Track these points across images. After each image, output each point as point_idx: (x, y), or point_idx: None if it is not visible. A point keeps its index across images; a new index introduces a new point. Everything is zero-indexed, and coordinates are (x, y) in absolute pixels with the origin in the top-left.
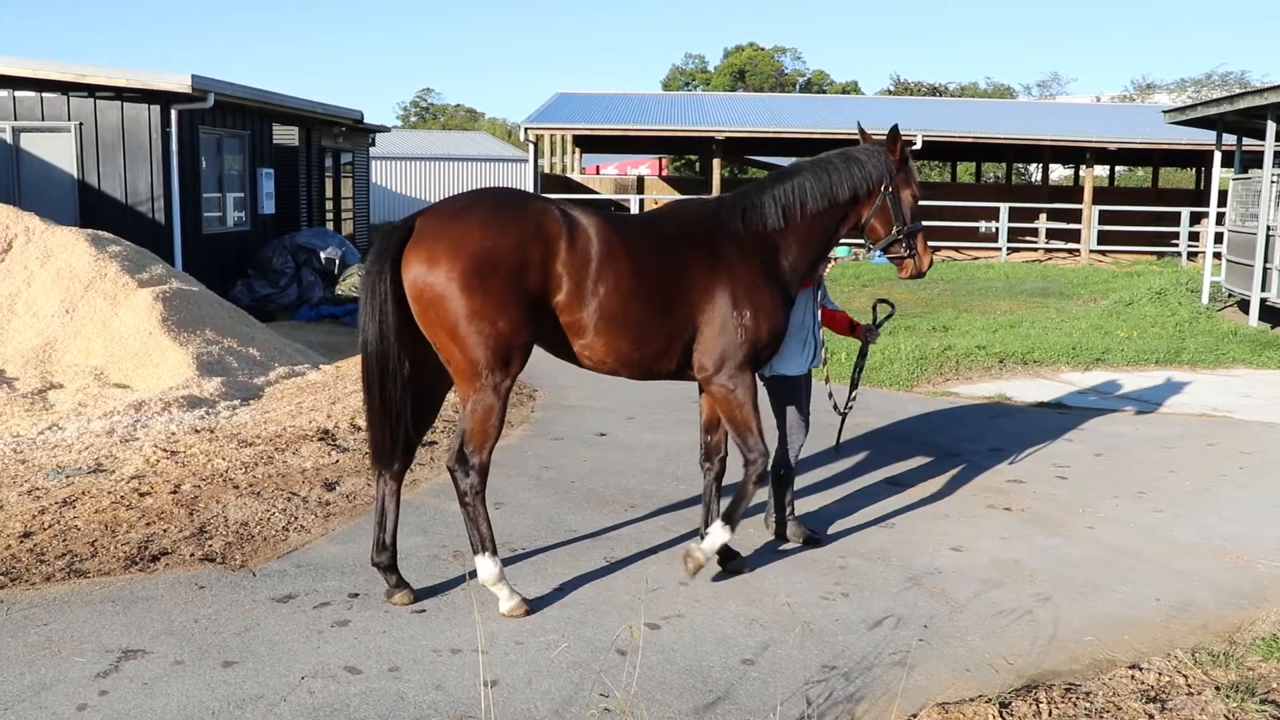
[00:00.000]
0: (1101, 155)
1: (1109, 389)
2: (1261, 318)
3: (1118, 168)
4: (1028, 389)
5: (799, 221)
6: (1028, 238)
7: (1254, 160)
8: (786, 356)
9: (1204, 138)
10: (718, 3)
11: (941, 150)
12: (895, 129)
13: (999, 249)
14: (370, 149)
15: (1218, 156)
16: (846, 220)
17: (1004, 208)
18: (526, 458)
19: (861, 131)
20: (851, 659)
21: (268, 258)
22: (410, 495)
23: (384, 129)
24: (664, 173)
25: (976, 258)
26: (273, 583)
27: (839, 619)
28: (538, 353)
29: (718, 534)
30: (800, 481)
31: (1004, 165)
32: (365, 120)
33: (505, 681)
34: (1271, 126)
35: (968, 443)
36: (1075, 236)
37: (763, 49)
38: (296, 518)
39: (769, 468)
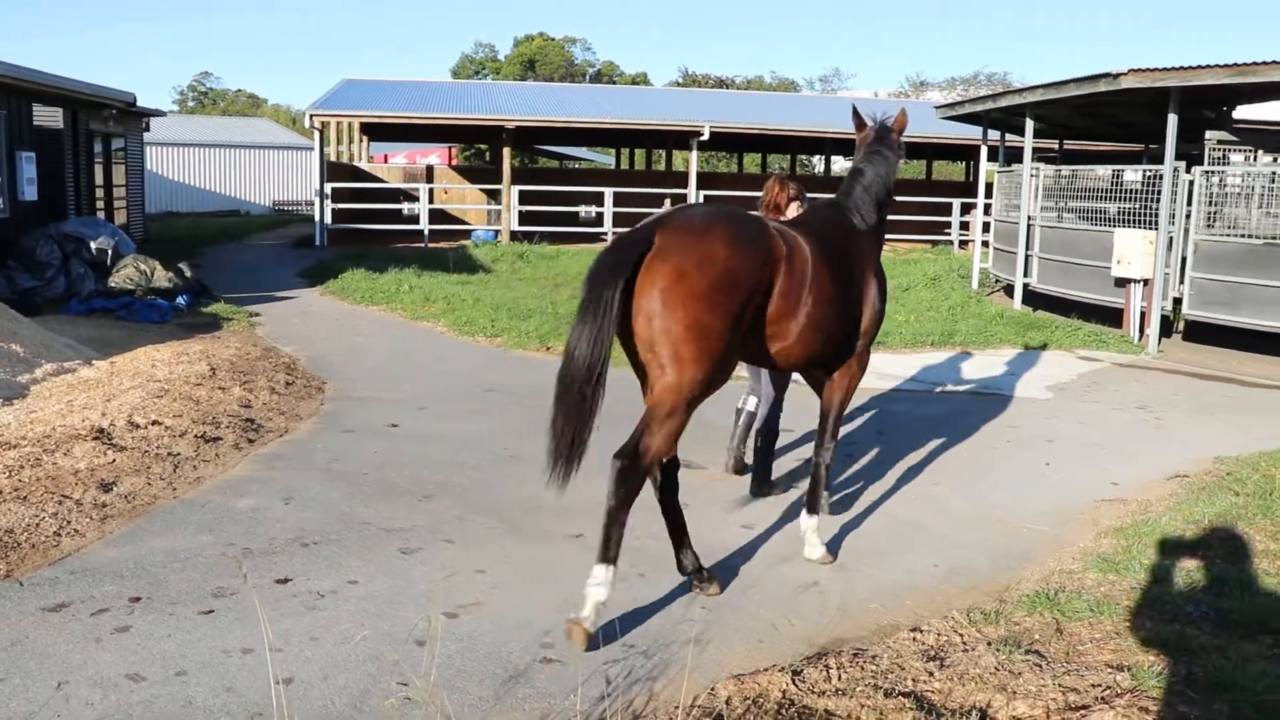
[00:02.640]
0: None
1: (889, 370)
2: (1025, 301)
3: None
4: None
5: (878, 215)
6: None
7: (1016, 155)
8: None
9: (973, 133)
10: None
11: (729, 141)
12: (904, 113)
13: None
14: (144, 134)
15: (984, 150)
16: (886, 210)
17: None
18: (316, 451)
19: (856, 113)
20: (649, 637)
21: (31, 248)
22: (195, 492)
23: (159, 113)
24: (454, 162)
25: None
26: (43, 592)
27: (636, 599)
28: (325, 345)
29: (813, 528)
30: (588, 464)
31: (788, 157)
32: (138, 103)
33: (300, 679)
34: (1030, 124)
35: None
36: None
37: (553, 39)
38: (69, 522)
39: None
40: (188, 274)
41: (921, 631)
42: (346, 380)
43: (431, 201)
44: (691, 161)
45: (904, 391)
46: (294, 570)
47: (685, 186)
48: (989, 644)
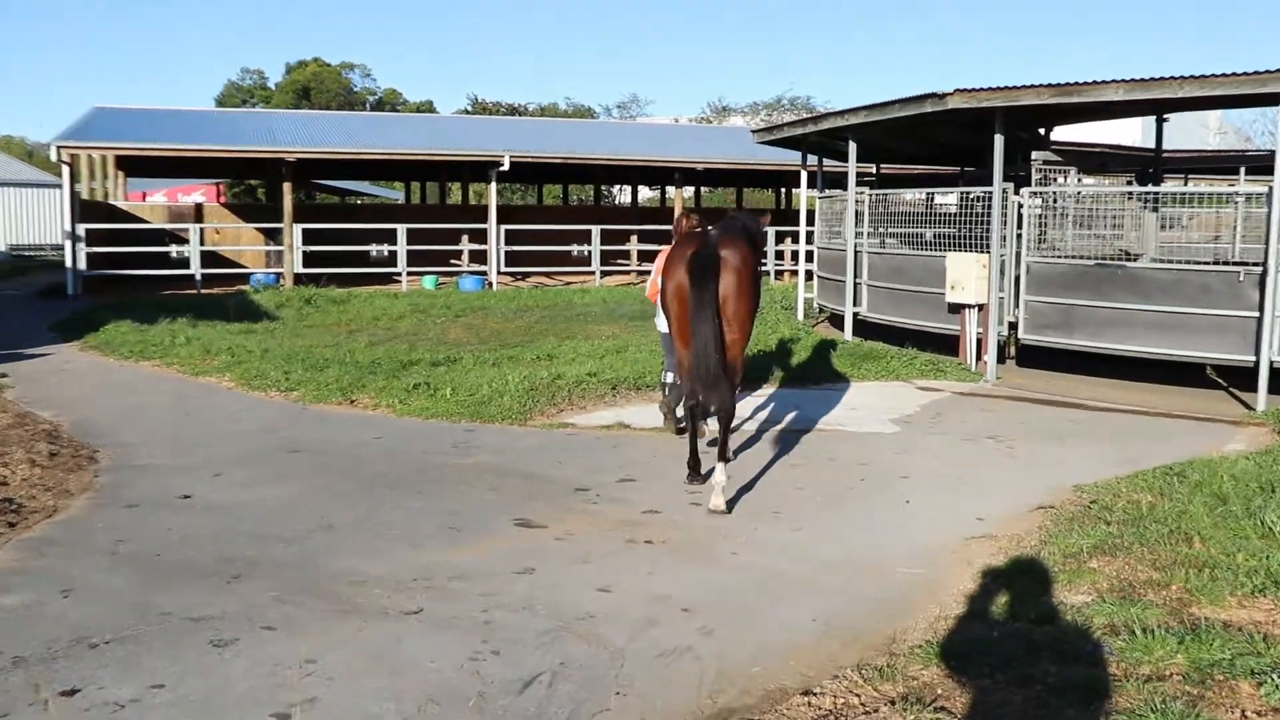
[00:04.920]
0: (690, 176)
1: None
2: (855, 331)
3: (703, 188)
4: (646, 415)
5: None
6: (619, 260)
7: (834, 180)
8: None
9: (787, 158)
10: (276, 16)
11: (531, 172)
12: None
13: (593, 272)
14: None
15: (804, 176)
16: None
17: (596, 230)
18: (96, 531)
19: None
20: None
21: None
22: None
23: None
24: (223, 199)
25: (569, 283)
26: None
27: (493, 681)
28: (92, 408)
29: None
30: (416, 530)
31: (591, 188)
32: None
33: None
34: (853, 147)
35: (595, 474)
36: None
37: (329, 65)
38: None
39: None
40: None
41: (815, 694)
42: (123, 446)
43: (203, 243)
44: (491, 194)
45: (746, 431)
46: (83, 678)
47: (485, 221)
48: (892, 703)
